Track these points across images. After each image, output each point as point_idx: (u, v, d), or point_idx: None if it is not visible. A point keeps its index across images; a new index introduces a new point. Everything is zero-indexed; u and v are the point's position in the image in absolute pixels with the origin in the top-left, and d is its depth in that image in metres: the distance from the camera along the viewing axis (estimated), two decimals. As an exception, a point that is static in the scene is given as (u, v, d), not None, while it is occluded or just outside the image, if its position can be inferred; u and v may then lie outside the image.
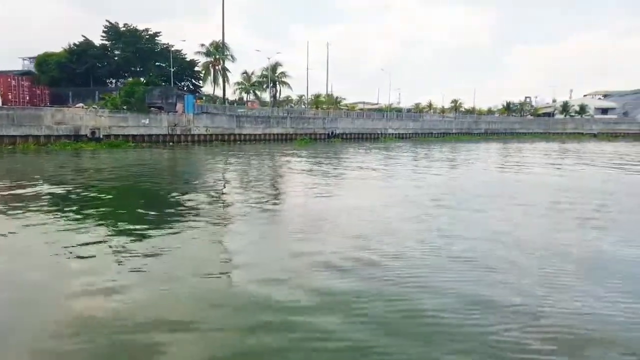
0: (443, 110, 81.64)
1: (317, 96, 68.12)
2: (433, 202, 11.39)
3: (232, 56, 51.48)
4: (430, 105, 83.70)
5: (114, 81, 51.26)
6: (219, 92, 52.55)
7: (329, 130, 50.36)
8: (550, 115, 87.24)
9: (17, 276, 6.10)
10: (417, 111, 76.81)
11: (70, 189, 13.31)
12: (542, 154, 32.69)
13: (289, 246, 7.47)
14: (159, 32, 50.67)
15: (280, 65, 57.58)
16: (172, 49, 50.33)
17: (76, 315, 4.87)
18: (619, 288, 5.75)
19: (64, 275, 6.12)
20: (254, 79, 58.49)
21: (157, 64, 50.22)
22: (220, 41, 49.49)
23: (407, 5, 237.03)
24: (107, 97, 38.41)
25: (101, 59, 48.58)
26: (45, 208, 10.39)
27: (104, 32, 49.20)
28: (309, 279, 5.91)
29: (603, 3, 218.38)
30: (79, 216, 9.52)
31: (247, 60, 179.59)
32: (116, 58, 49.07)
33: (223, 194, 13.21)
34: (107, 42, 49.28)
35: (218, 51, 49.89)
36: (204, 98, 50.69)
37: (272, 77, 57.11)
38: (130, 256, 6.85)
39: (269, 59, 55.91)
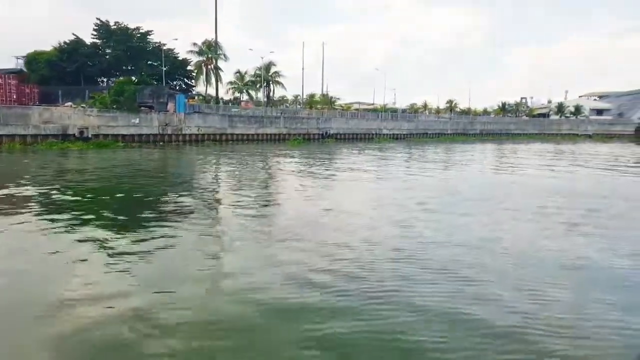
0: (438, 111, 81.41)
1: (312, 96, 67.63)
2: (419, 205, 10.97)
3: (224, 55, 50.94)
4: (425, 106, 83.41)
5: (105, 80, 50.57)
6: (211, 92, 52.05)
7: (323, 130, 49.93)
8: (545, 116, 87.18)
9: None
10: (412, 111, 76.53)
11: (45, 190, 12.81)
12: (536, 155, 32.40)
13: (263, 254, 7.03)
14: (150, 31, 50.06)
15: (274, 64, 57.10)
16: (165, 47, 49.70)
17: (57, 321, 4.66)
18: (605, 301, 5.35)
19: (40, 280, 5.67)
20: (247, 78, 57.92)
21: (148, 62, 49.56)
22: (213, 40, 48.97)
23: (405, 6, 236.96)
24: (96, 96, 37.79)
25: (92, 58, 47.88)
26: (17, 211, 9.90)
27: (94, 30, 48.51)
28: (273, 291, 5.46)
29: (599, 4, 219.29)
30: (48, 220, 9.05)
31: (244, 60, 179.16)
32: (107, 57, 48.36)
33: (206, 196, 12.74)
34: (98, 41, 48.57)
35: (210, 50, 49.31)
36: (195, 97, 50.11)
37: (266, 76, 56.56)
38: (102, 261, 6.40)
39: (262, 58, 55.43)
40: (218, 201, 11.77)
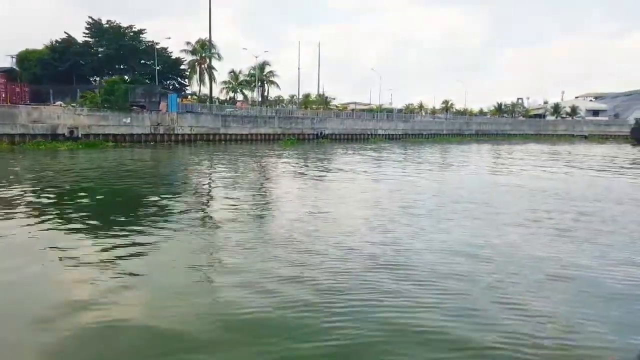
0: (434, 111, 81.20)
1: (307, 96, 67.22)
2: (405, 209, 10.60)
3: (218, 54, 50.49)
4: (421, 106, 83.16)
5: (98, 79, 50.02)
6: (205, 92, 51.56)
7: (318, 130, 49.55)
8: (541, 116, 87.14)
9: None
10: (408, 112, 76.24)
11: (22, 192, 12.38)
12: (531, 156, 32.12)
13: (226, 263, 6.64)
14: (143, 29, 49.52)
15: (269, 64, 56.67)
16: (158, 46, 49.16)
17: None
18: (593, 314, 5.00)
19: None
20: (241, 78, 57.42)
21: (141, 61, 49.04)
22: (207, 39, 48.49)
23: (403, 6, 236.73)
24: (87, 95, 37.26)
25: (84, 56, 47.31)
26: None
27: (86, 29, 47.91)
28: (232, 304, 5.08)
29: (596, 4, 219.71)
30: (22, 222, 8.65)
31: (241, 60, 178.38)
32: (99, 55, 47.79)
33: (184, 199, 12.34)
34: (90, 39, 48.00)
35: (204, 49, 48.83)
36: (189, 97, 49.63)
37: (260, 76, 56.11)
38: (79, 263, 6.00)
39: (256, 57, 54.95)
40: (198, 204, 11.37)
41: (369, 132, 54.09)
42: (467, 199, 12.33)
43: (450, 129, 63.45)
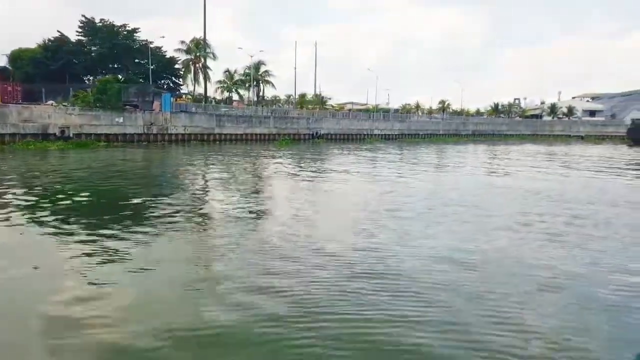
0: (431, 111, 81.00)
1: (303, 95, 66.87)
2: (392, 212, 10.28)
3: (213, 54, 50.11)
4: (417, 106, 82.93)
5: (91, 78, 49.60)
6: (199, 91, 51.19)
7: (314, 130, 49.24)
8: (538, 117, 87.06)
9: None
10: (405, 112, 76.03)
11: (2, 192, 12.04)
12: (527, 157, 31.91)
13: (196, 271, 6.35)
14: (137, 28, 49.10)
15: (264, 63, 56.29)
16: (152, 45, 48.78)
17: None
18: (582, 330, 4.72)
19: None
20: (236, 77, 57.02)
21: (135, 61, 48.62)
22: (202, 38, 48.08)
23: (403, 6, 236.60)
24: (79, 94, 36.84)
25: (77, 55, 46.85)
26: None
27: (79, 27, 47.46)
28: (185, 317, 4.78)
29: (597, 4, 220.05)
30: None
31: (240, 60, 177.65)
32: (93, 54, 47.34)
33: (169, 200, 12.00)
34: (83, 38, 47.54)
35: (199, 48, 48.42)
36: (184, 97, 49.25)
37: (255, 75, 55.74)
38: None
39: (251, 57, 54.58)
40: (180, 208, 11.03)
41: (365, 132, 53.81)
42: (459, 202, 12.05)
43: (447, 129, 63.23)
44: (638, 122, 56.13)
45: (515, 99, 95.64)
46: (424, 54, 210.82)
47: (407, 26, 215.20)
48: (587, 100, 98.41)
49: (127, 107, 38.00)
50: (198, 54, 48.47)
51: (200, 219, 9.62)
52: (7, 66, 51.27)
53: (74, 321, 4.69)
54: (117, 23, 47.91)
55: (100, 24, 47.12)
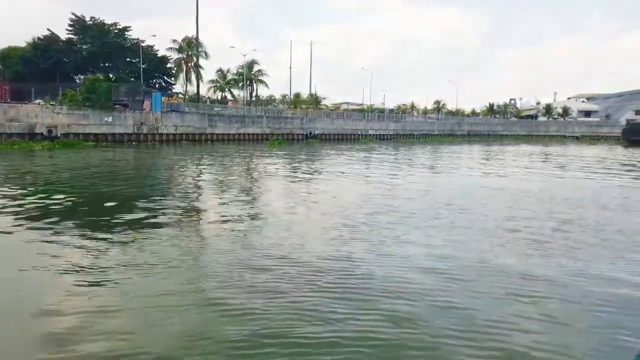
0: (426, 111, 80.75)
1: (297, 95, 66.38)
2: (372, 216, 9.81)
3: (205, 53, 49.54)
4: (412, 106, 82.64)
5: (82, 77, 48.96)
6: (192, 90, 50.64)
7: (307, 130, 48.81)
8: (533, 117, 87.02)
9: None
10: (400, 112, 75.73)
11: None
12: (521, 157, 31.58)
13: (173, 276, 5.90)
14: (128, 27, 48.56)
15: (257, 63, 55.79)
16: (144, 44, 48.19)
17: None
18: (567, 349, 4.30)
19: None
20: (229, 77, 56.51)
21: (127, 59, 48.02)
22: (194, 37, 47.55)
23: (403, 6, 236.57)
24: (67, 93, 36.24)
25: (67, 54, 46.21)
26: None
27: (69, 25, 46.82)
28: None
29: (597, 4, 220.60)
30: None
31: (237, 60, 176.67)
32: (83, 53, 46.72)
33: (148, 204, 11.52)
34: (73, 36, 46.90)
35: (191, 47, 47.88)
36: (174, 96, 48.69)
37: (248, 75, 55.23)
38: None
39: (244, 56, 54.07)
40: (157, 210, 10.56)
41: (359, 133, 53.46)
42: (445, 204, 11.63)
43: (442, 129, 62.97)
44: (633, 122, 56.12)
45: (511, 99, 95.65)
46: (423, 54, 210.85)
47: (407, 26, 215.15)
48: (583, 101, 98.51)
49: (117, 106, 37.42)
50: (190, 53, 47.92)
51: (174, 223, 9.15)
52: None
53: (58, 325, 4.39)
54: (108, 21, 47.30)
55: (91, 22, 46.51)
